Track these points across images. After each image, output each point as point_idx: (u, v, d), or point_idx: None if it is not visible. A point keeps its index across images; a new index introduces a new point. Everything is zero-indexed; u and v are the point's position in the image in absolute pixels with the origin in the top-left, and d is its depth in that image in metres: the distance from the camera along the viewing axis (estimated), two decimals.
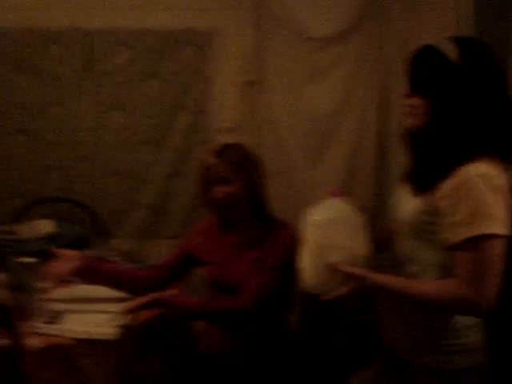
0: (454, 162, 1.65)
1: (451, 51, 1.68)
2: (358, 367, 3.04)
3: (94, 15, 3.81)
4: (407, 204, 1.77)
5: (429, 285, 1.70)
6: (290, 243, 2.26)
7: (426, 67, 1.71)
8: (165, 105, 3.88)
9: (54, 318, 2.15)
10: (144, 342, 2.18)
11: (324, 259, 1.77)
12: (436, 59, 1.69)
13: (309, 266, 1.83)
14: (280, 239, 2.31)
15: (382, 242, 1.99)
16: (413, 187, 1.75)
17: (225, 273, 2.37)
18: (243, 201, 2.32)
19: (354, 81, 3.84)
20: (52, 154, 3.92)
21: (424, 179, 1.71)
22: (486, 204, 1.58)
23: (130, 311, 2.18)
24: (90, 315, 2.20)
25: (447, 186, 1.64)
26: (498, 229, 1.58)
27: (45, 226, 2.98)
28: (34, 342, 2.01)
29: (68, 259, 2.37)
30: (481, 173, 1.61)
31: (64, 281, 2.52)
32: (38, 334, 2.07)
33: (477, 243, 1.58)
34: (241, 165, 2.33)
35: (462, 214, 1.60)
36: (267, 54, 3.83)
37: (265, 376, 2.33)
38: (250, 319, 2.27)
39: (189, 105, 3.89)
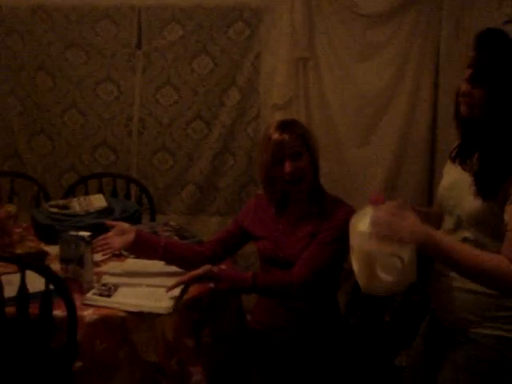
0: None
1: None
2: (405, 347, 3.03)
3: None
4: (471, 199, 1.72)
5: (488, 256, 1.62)
6: (345, 219, 2.26)
7: (488, 56, 1.63)
8: (215, 82, 3.89)
9: (107, 290, 2.18)
10: (195, 316, 2.20)
11: (374, 266, 1.74)
12: (499, 47, 1.61)
13: (360, 272, 1.81)
14: (335, 215, 2.31)
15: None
16: (478, 187, 1.69)
17: (279, 247, 2.38)
18: (310, 175, 2.34)
19: (406, 59, 3.77)
20: (103, 130, 3.98)
21: (491, 180, 1.66)
22: None
23: (183, 284, 2.20)
24: (142, 289, 2.21)
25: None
26: None
27: (97, 201, 3.01)
28: (87, 314, 2.04)
29: (123, 232, 2.39)
30: None
31: (117, 254, 2.56)
32: (91, 306, 2.10)
33: None
34: (308, 140, 2.35)
35: None
36: (318, 31, 3.79)
37: (314, 353, 2.34)
38: (303, 293, 2.28)
39: (239, 82, 3.88)
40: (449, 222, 1.85)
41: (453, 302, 1.82)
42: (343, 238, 2.23)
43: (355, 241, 1.81)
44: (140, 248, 2.40)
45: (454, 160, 1.84)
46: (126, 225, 2.43)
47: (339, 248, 2.27)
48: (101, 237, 2.39)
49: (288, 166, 2.28)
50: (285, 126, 2.34)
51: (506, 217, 1.62)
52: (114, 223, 2.44)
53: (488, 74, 1.64)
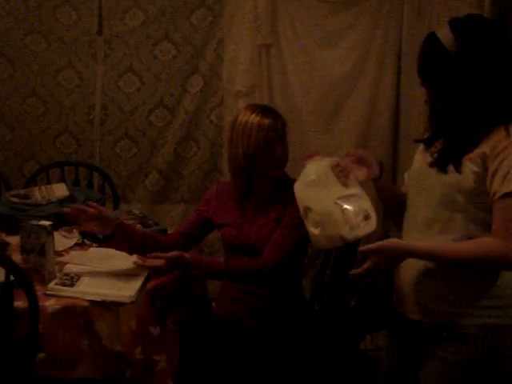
0: (479, 135, 1.71)
1: (447, 38, 1.71)
2: (370, 331, 3.06)
3: None
4: (440, 178, 1.76)
5: (465, 244, 1.70)
6: None
7: (423, 58, 1.77)
8: (178, 68, 3.86)
9: (70, 280, 2.16)
10: (159, 304, 2.19)
11: (314, 222, 1.84)
12: (431, 49, 1.74)
13: (319, 225, 1.85)
14: None
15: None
16: (443, 162, 1.76)
17: (243, 233, 2.37)
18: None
19: (369, 45, 3.79)
20: (65, 118, 3.93)
21: (454, 154, 1.74)
22: None
23: (155, 268, 2.19)
24: (104, 278, 2.20)
25: (482, 151, 1.69)
26: None
27: (59, 190, 2.98)
28: (49, 305, 2.02)
29: (105, 220, 2.29)
30: None
31: (80, 243, 2.54)
32: (54, 296, 2.08)
33: None
34: (286, 124, 2.39)
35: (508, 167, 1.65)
36: (280, 18, 3.78)
37: (280, 339, 2.35)
38: (273, 277, 2.29)
39: (202, 68, 3.86)
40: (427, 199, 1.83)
41: (427, 293, 1.80)
42: None
43: (297, 199, 1.91)
44: (116, 242, 2.34)
45: (420, 141, 1.92)
46: (110, 215, 2.34)
47: (304, 230, 2.29)
48: (79, 206, 2.30)
49: (280, 150, 2.32)
50: (270, 111, 2.36)
51: (492, 187, 1.67)
52: (99, 208, 2.32)
53: (424, 72, 1.78)
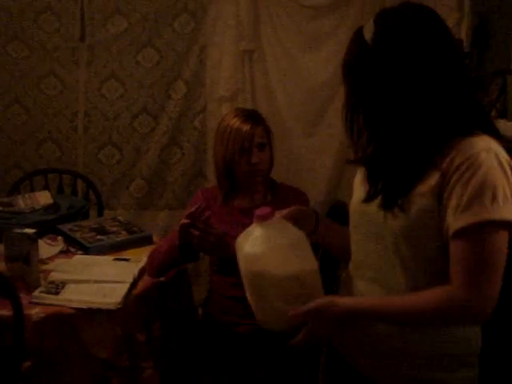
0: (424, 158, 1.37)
1: (368, 29, 1.43)
2: None
3: None
4: (387, 223, 1.42)
5: (416, 297, 1.36)
6: (302, 203, 2.28)
7: (345, 53, 1.49)
8: (161, 75, 3.85)
9: (55, 288, 2.15)
10: (145, 310, 2.19)
11: (263, 294, 1.49)
12: (352, 42, 1.46)
13: (251, 301, 1.55)
14: (292, 201, 2.29)
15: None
16: (388, 203, 1.41)
17: (235, 237, 2.35)
18: (271, 165, 2.42)
19: None
20: (48, 126, 3.90)
21: (397, 191, 1.40)
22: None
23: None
24: (90, 285, 2.19)
25: (428, 183, 1.36)
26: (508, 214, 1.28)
27: (42, 198, 2.97)
28: (34, 313, 2.02)
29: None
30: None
31: (65, 250, 2.54)
32: (39, 304, 2.07)
33: (480, 231, 1.29)
34: (270, 133, 2.41)
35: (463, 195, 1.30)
36: (263, 23, 3.79)
37: (269, 345, 2.34)
38: None
39: (185, 74, 3.85)
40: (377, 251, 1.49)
41: (382, 351, 1.49)
42: None
43: (241, 264, 1.54)
44: None
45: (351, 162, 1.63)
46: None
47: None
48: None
49: (255, 157, 2.32)
50: (251, 117, 2.37)
51: (447, 220, 1.33)
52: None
53: (344, 74, 1.52)
